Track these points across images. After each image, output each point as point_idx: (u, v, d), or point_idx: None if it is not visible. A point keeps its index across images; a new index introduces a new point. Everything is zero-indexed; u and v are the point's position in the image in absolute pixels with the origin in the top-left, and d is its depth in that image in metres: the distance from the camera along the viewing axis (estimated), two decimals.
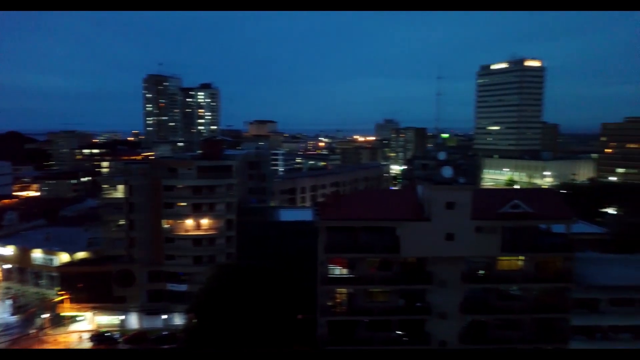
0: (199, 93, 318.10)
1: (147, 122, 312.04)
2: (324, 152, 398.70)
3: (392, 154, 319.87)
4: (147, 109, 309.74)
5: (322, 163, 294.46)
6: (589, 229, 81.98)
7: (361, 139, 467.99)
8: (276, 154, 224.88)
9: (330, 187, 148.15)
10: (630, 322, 52.70)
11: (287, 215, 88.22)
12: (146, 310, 78.00)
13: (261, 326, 53.24)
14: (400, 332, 51.34)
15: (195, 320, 58.11)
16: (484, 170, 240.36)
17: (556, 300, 51.25)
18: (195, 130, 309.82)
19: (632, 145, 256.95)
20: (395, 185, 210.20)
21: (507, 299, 51.75)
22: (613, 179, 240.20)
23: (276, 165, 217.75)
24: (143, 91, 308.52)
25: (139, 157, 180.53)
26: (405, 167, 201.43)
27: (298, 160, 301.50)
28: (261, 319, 53.58)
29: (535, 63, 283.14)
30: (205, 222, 78.78)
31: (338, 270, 52.08)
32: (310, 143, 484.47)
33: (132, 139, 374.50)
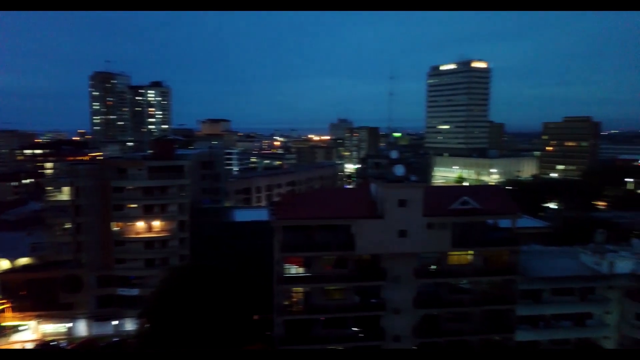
0: (149, 91, 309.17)
1: (94, 121, 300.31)
2: (279, 151, 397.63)
3: (347, 153, 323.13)
4: (94, 107, 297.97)
5: (278, 162, 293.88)
6: (532, 223, 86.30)
7: (316, 138, 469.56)
8: (230, 153, 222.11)
9: (285, 186, 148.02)
10: (570, 310, 55.94)
11: (242, 215, 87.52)
12: (95, 317, 75.08)
13: (216, 328, 52.57)
14: (356, 329, 52.09)
15: (148, 325, 56.58)
16: (435, 168, 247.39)
17: (503, 292, 53.57)
18: (145, 130, 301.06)
19: (570, 143, 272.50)
20: (350, 183, 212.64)
21: (457, 292, 53.56)
22: (554, 175, 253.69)
23: (230, 164, 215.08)
24: (90, 89, 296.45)
25: (86, 158, 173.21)
26: (359, 165, 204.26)
27: (253, 159, 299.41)
28: (216, 321, 52.90)
29: (482, 64, 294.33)
30: (157, 223, 76.76)
31: (294, 270, 52.18)
32: (265, 142, 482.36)
33: (78, 138, 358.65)
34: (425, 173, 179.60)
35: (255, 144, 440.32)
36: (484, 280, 53.36)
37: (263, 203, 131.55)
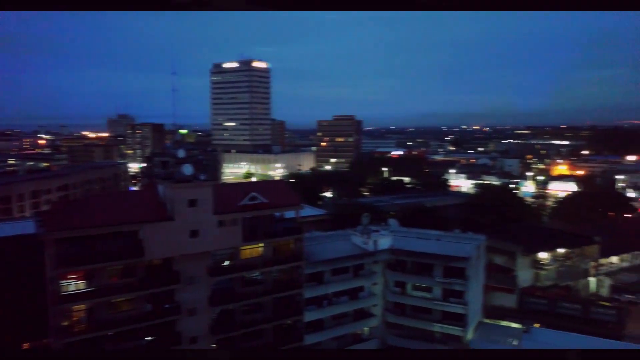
0: None
1: None
2: (46, 150, 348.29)
3: (130, 152, 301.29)
4: None
5: (45, 164, 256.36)
6: (313, 212, 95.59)
7: (92, 135, 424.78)
8: None
9: (57, 191, 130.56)
10: (347, 286, 64.15)
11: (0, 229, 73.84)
12: None
13: None
14: (150, 338, 49.62)
15: None
16: (224, 165, 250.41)
17: (291, 278, 58.06)
18: None
19: (339, 139, 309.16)
20: (135, 184, 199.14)
21: (251, 284, 55.82)
22: (328, 167, 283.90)
23: None
24: None
25: None
26: (145, 165, 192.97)
27: (11, 161, 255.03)
28: None
29: (262, 64, 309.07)
30: None
31: (73, 286, 46.69)
32: (27, 141, 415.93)
33: None
34: (215, 170, 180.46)
35: (14, 143, 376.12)
36: (274, 270, 56.83)
37: (28, 213, 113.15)
